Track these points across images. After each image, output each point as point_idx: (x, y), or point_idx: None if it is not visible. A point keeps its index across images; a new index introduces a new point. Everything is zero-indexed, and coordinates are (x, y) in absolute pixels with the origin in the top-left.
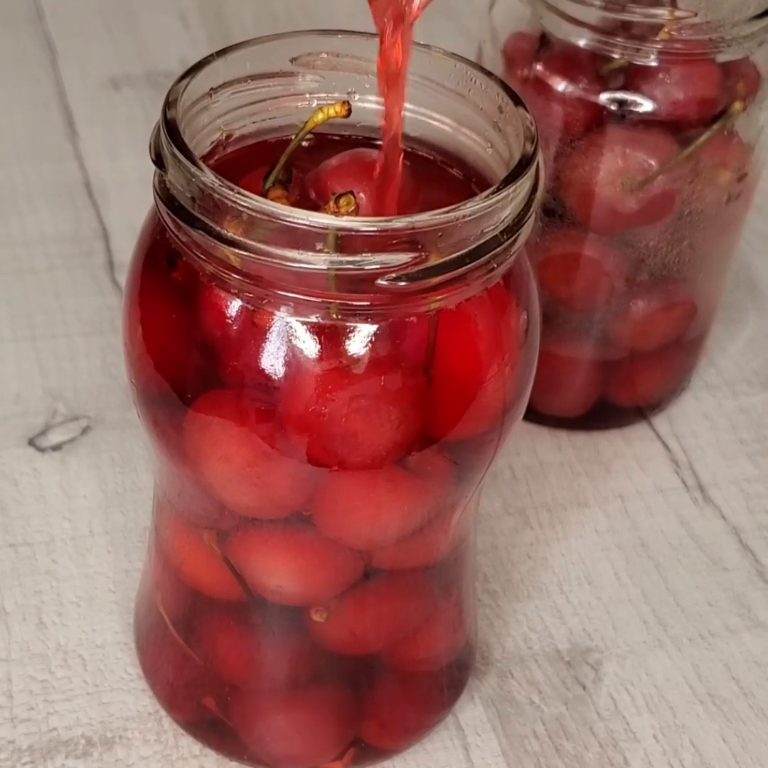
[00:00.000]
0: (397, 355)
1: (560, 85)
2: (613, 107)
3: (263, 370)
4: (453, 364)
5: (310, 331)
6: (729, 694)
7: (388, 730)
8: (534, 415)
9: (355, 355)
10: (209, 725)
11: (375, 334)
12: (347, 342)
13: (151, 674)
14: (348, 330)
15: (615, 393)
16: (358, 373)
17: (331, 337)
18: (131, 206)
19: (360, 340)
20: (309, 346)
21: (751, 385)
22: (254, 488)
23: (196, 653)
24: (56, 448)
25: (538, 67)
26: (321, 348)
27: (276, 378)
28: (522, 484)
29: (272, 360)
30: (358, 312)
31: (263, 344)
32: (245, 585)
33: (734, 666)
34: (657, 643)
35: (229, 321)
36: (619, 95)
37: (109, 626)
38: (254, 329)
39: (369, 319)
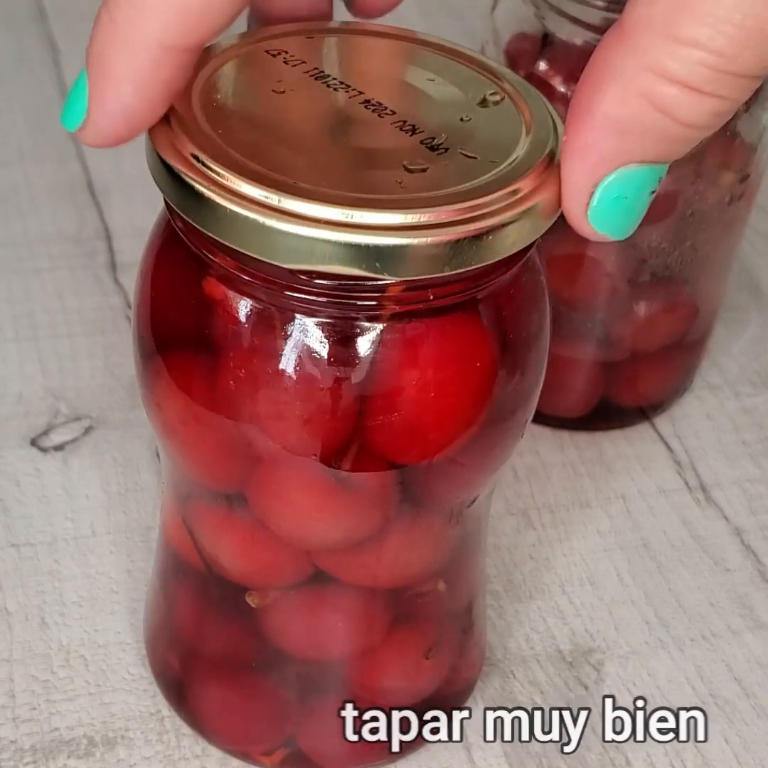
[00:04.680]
0: (403, 357)
1: (562, 86)
2: None
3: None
4: (462, 366)
5: (320, 330)
6: (731, 695)
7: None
8: (536, 416)
9: (361, 356)
10: (171, 682)
11: (381, 334)
12: (354, 342)
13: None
14: (355, 330)
15: (617, 394)
16: (361, 376)
17: (339, 336)
18: (133, 207)
19: (367, 340)
20: (318, 348)
21: (754, 386)
22: (184, 448)
23: (171, 615)
24: (58, 448)
25: (541, 67)
26: (329, 348)
27: (290, 379)
28: (524, 484)
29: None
30: (366, 312)
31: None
32: (199, 551)
33: (736, 667)
34: (659, 643)
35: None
36: None
37: (112, 626)
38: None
39: (377, 319)
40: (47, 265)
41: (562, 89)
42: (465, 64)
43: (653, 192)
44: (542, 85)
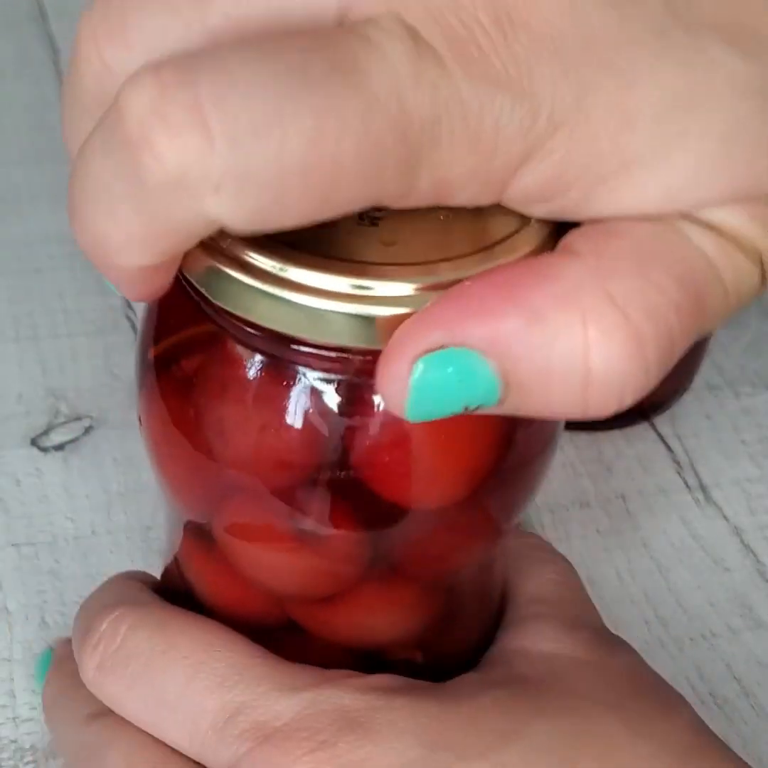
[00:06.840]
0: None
1: None
2: None
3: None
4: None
5: (311, 375)
6: (731, 694)
7: None
8: None
9: (355, 405)
10: None
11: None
12: (349, 390)
13: None
14: (351, 378)
15: None
16: (377, 428)
17: (336, 384)
18: None
19: (357, 389)
20: (308, 394)
21: (754, 386)
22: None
23: None
24: (58, 448)
25: None
26: (322, 395)
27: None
28: None
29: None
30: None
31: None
32: (181, 575)
33: (736, 666)
34: (659, 643)
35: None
36: None
37: None
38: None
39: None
40: (47, 265)
41: None
42: None
43: (467, 408)
44: None
